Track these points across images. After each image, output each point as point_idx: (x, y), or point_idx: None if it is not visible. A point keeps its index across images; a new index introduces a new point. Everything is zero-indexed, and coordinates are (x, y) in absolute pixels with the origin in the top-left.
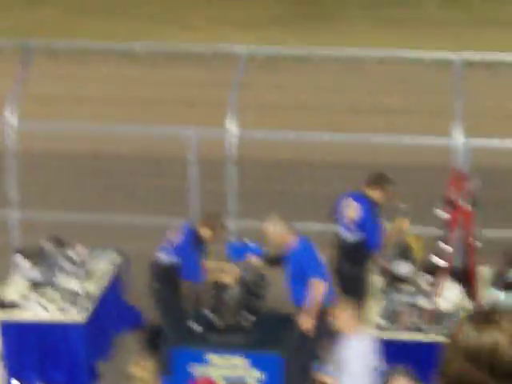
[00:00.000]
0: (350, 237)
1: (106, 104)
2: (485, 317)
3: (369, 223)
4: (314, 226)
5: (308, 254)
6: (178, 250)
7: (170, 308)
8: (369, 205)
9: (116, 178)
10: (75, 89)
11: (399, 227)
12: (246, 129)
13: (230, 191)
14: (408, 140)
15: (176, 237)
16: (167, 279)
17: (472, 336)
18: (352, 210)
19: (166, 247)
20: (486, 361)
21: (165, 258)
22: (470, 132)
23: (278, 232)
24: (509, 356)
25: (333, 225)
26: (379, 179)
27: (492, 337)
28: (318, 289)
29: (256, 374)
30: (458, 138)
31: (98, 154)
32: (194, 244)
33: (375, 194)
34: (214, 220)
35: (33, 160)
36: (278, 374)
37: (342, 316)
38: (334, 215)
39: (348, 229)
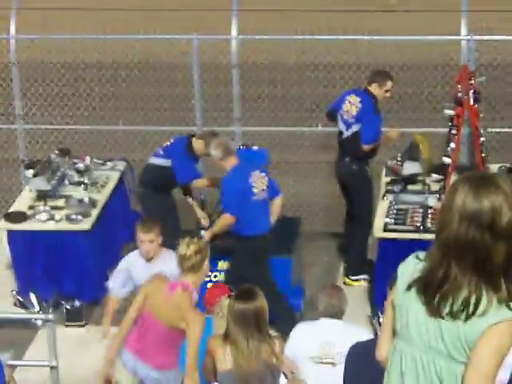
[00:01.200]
0: (348, 131)
1: (106, 13)
2: (481, 179)
3: (367, 117)
4: (317, 129)
5: (229, 185)
6: (169, 153)
7: (159, 215)
8: (368, 100)
9: (120, 87)
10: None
11: (389, 135)
12: (247, 33)
13: (233, 96)
14: (413, 38)
15: (168, 141)
16: (152, 184)
17: (470, 199)
18: (352, 105)
19: (156, 151)
20: (485, 222)
21: (153, 160)
22: (475, 27)
23: (216, 157)
24: (507, 217)
25: (334, 125)
26: (378, 74)
27: (491, 199)
28: (224, 221)
29: None
30: (464, 34)
31: (100, 64)
32: (185, 151)
33: (374, 90)
34: (211, 137)
35: (35, 71)
36: (286, 276)
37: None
38: (332, 113)
39: (347, 124)
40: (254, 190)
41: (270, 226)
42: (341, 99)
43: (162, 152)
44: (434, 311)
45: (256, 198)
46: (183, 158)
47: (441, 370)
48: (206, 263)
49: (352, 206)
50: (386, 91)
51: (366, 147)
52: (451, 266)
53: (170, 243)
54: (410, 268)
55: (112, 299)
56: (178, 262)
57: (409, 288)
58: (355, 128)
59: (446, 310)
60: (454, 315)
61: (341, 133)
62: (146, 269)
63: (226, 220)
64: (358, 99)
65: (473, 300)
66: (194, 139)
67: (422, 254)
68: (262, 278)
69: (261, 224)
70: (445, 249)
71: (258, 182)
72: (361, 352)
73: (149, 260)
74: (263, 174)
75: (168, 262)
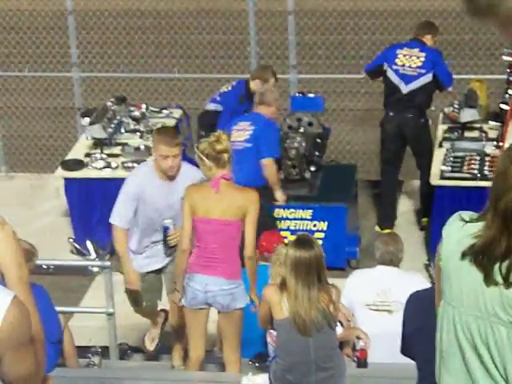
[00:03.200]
0: (413, 84)
1: None
2: None
3: (439, 62)
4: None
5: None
6: (223, 99)
7: None
8: (430, 47)
9: (176, 35)
10: None
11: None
12: None
13: (289, 43)
14: None
15: (226, 87)
16: (209, 128)
17: None
18: (411, 57)
19: (214, 97)
20: None
21: (211, 105)
22: None
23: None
24: None
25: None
26: (432, 26)
27: None
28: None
29: (321, 225)
30: None
31: (156, 12)
32: (239, 98)
33: (428, 41)
34: (266, 72)
35: (90, 19)
36: (342, 223)
37: None
38: (376, 70)
39: (409, 78)
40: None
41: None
42: (389, 55)
43: (218, 98)
44: (495, 281)
45: None
46: (234, 107)
47: (500, 336)
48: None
49: (418, 158)
50: (435, 42)
51: (450, 89)
52: None
53: None
54: (455, 231)
55: (123, 233)
56: (213, 159)
57: (463, 257)
58: (426, 79)
59: (510, 280)
60: None
61: (395, 88)
62: (163, 189)
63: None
64: (416, 49)
65: None
66: (252, 81)
67: (465, 215)
68: None
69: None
70: (504, 218)
71: (237, 132)
72: (420, 301)
73: (169, 178)
74: (250, 128)
75: (190, 177)
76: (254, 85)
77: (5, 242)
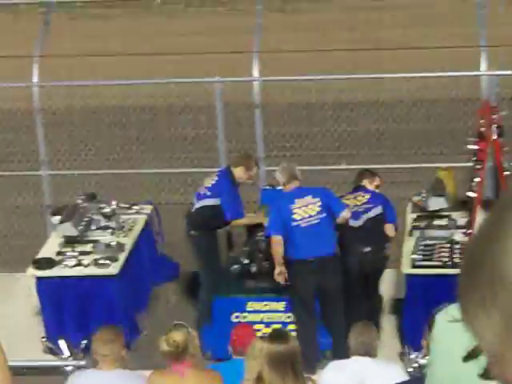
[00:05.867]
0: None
1: (128, 58)
2: None
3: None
4: (341, 167)
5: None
6: (215, 192)
7: (209, 256)
8: None
9: (144, 130)
10: (95, 44)
11: None
12: (268, 73)
13: (256, 136)
14: (434, 73)
15: (211, 181)
16: (204, 225)
17: None
18: None
19: (200, 193)
20: None
21: (205, 201)
22: (493, 62)
23: (280, 181)
24: None
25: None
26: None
27: None
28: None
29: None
30: (484, 69)
31: (123, 109)
32: (231, 185)
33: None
34: (250, 160)
35: (59, 117)
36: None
37: None
38: None
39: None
40: (294, 217)
41: (316, 253)
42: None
43: (209, 192)
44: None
45: (296, 224)
46: (232, 194)
47: None
48: (195, 345)
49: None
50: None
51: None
52: None
53: (216, 286)
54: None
55: None
56: (167, 355)
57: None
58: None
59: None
60: None
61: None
62: None
63: (271, 240)
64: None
65: None
66: (233, 168)
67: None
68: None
69: (300, 250)
70: None
71: (302, 208)
72: None
73: None
74: (315, 200)
75: None
76: (238, 172)
77: None
